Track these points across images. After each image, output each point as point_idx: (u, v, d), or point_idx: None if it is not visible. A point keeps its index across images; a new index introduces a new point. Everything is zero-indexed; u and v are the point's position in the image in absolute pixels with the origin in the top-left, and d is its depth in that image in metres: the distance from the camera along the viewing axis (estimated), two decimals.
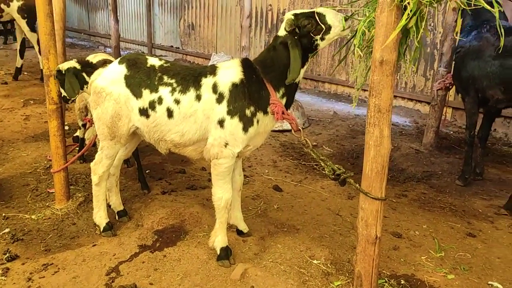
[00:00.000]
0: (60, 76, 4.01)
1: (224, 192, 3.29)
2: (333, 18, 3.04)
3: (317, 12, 3.06)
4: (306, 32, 3.07)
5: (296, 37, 3.06)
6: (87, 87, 4.18)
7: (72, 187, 4.41)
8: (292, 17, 3.07)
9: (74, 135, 5.80)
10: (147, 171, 4.97)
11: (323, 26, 3.04)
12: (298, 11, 3.12)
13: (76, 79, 4.07)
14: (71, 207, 4.10)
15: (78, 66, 4.10)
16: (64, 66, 4.05)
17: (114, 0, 10.31)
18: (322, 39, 3.10)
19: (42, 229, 3.77)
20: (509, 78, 4.45)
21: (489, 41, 4.74)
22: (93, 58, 4.85)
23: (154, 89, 3.24)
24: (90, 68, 4.12)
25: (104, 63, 4.55)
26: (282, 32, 3.13)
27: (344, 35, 3.14)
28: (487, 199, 4.78)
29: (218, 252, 3.37)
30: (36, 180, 4.64)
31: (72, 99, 4.18)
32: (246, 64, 3.23)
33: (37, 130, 6.25)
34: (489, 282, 3.28)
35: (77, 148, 5.28)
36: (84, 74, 4.12)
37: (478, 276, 3.35)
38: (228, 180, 3.30)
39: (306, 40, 3.10)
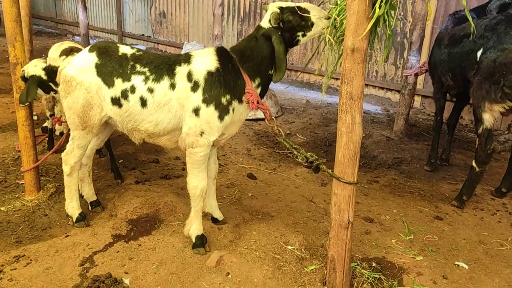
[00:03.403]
0: (24, 79, 3.84)
1: (199, 180, 3.29)
2: (316, 15, 3.07)
3: (301, 8, 3.06)
4: (289, 27, 3.09)
5: (279, 33, 3.07)
6: (55, 93, 4.07)
7: (42, 177, 4.33)
8: (278, 10, 3.06)
9: (43, 125, 5.67)
10: (120, 161, 4.91)
11: (306, 22, 3.07)
12: (283, 4, 3.10)
13: (36, 88, 3.84)
14: (42, 198, 4.02)
15: (44, 77, 3.88)
16: (30, 71, 3.83)
17: None
18: (303, 35, 3.14)
19: (13, 221, 3.69)
20: (454, 66, 4.63)
21: (447, 29, 4.92)
22: (60, 46, 4.74)
23: (126, 78, 3.19)
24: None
25: (71, 51, 4.45)
26: (265, 24, 3.11)
27: (324, 33, 3.16)
28: (453, 183, 4.96)
29: (194, 240, 3.38)
30: (5, 172, 4.52)
31: (22, 105, 3.83)
32: (221, 52, 3.22)
33: (4, 121, 6.07)
34: (456, 262, 3.41)
35: (46, 139, 5.17)
36: (51, 84, 3.93)
37: (445, 257, 3.49)
38: (204, 169, 3.30)
39: (288, 35, 3.12)
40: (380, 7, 2.48)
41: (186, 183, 3.34)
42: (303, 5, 3.10)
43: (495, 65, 3.96)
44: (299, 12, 3.05)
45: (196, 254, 3.31)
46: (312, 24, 3.08)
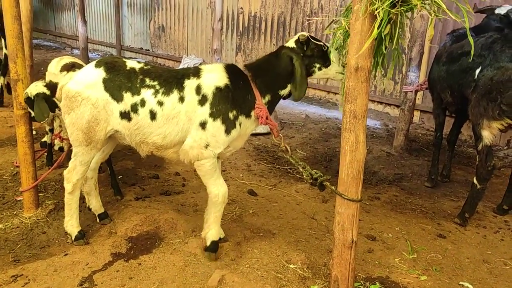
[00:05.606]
0: (29, 101, 3.92)
1: (219, 187, 3.34)
2: (336, 58, 3.27)
3: (326, 45, 3.27)
4: (310, 54, 3.25)
5: (301, 55, 3.21)
6: (59, 110, 4.11)
7: (41, 194, 4.27)
8: (306, 35, 3.22)
9: (42, 140, 5.63)
10: (119, 177, 4.86)
11: (326, 58, 3.27)
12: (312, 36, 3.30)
13: (46, 104, 3.99)
14: (41, 215, 3.97)
15: (47, 92, 4.00)
16: (33, 91, 3.95)
17: (81, 0, 10.10)
18: (319, 69, 3.31)
19: (10, 239, 3.63)
20: (452, 83, 4.68)
21: (446, 47, 4.99)
22: (59, 61, 4.73)
23: (136, 92, 3.22)
24: None
25: (72, 66, 4.44)
26: (290, 44, 3.27)
27: (337, 79, 3.39)
28: (455, 200, 4.94)
29: (208, 244, 3.42)
30: (3, 188, 4.47)
31: (42, 122, 4.05)
32: (231, 69, 3.31)
33: (2, 135, 6.03)
34: (460, 282, 3.37)
35: (45, 154, 5.12)
36: (55, 99, 3.99)
37: (449, 276, 3.45)
38: (218, 175, 3.35)
39: (307, 62, 3.26)
40: (379, 27, 2.48)
41: (208, 192, 3.37)
42: (328, 45, 3.29)
43: (492, 83, 4.00)
44: (322, 46, 3.26)
45: (197, 274, 3.25)
46: (329, 64, 3.29)
